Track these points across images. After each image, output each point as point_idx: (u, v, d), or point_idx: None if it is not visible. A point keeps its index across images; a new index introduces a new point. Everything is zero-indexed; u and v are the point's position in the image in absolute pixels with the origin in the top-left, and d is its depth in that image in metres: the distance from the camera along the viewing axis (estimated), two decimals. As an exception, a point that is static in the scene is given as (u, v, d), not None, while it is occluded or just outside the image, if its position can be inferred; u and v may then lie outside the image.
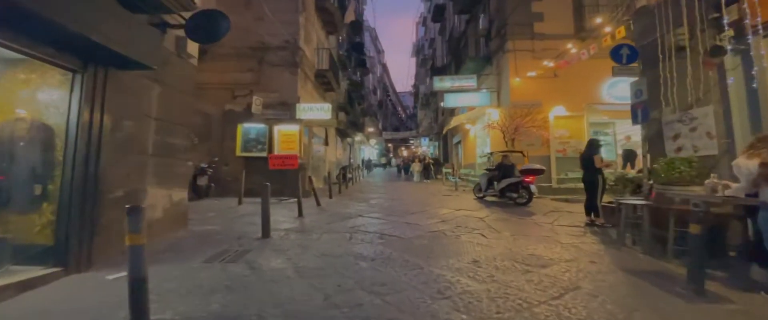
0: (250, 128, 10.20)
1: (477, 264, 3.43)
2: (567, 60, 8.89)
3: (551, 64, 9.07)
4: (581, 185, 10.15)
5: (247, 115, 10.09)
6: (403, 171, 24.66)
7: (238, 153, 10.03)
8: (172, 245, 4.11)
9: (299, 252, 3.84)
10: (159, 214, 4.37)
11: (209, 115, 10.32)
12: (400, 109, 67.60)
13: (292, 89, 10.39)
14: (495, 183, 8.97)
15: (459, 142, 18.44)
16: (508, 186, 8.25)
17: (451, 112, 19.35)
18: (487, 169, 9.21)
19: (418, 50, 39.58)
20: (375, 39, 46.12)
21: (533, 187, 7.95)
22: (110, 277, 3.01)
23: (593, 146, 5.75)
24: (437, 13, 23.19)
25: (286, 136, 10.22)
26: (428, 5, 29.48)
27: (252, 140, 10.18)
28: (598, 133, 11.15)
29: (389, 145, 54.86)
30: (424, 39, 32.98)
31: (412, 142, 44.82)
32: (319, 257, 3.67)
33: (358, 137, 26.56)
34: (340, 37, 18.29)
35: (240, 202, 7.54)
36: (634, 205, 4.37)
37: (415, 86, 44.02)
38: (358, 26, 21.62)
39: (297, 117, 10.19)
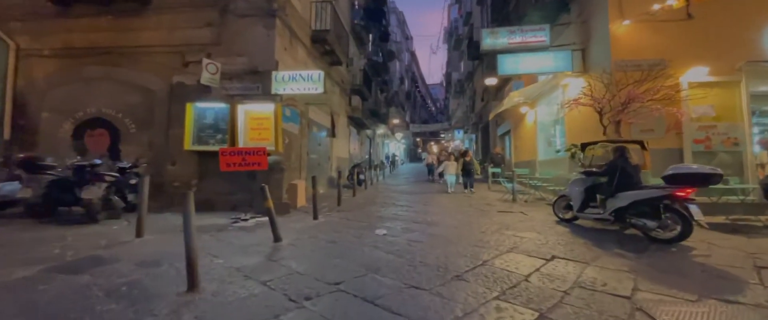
0: (206, 109, 6.90)
1: None
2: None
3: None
4: (749, 199, 5.87)
5: (205, 90, 6.82)
6: (436, 173, 16.71)
7: (188, 146, 6.76)
8: None
9: None
10: None
11: (151, 90, 7.13)
12: (430, 101, 63.18)
13: (266, 51, 6.96)
14: (599, 197, 5.11)
15: (508, 133, 14.31)
16: (634, 204, 4.37)
17: (495, 94, 15.28)
18: (583, 173, 5.27)
19: (450, 33, 35.21)
20: (402, 23, 42.15)
21: (696, 209, 4.00)
22: None
23: None
24: (475, -22, 19.08)
25: (258, 120, 6.82)
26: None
27: (208, 127, 6.88)
28: (758, 113, 6.82)
29: (418, 139, 51.01)
30: (459, 16, 28.71)
31: (443, 135, 40.79)
32: None
33: (381, 129, 22.97)
34: (356, 2, 14.73)
35: (139, 234, 4.19)
36: None
37: (447, 74, 39.69)
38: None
39: (273, 91, 6.76)
